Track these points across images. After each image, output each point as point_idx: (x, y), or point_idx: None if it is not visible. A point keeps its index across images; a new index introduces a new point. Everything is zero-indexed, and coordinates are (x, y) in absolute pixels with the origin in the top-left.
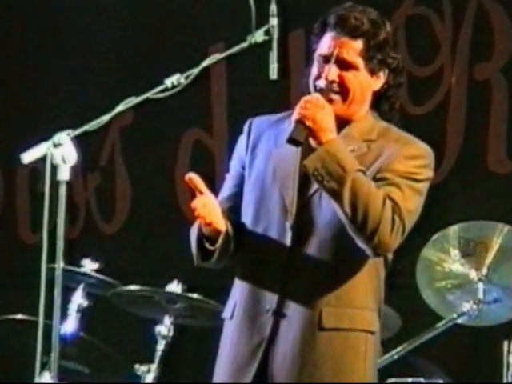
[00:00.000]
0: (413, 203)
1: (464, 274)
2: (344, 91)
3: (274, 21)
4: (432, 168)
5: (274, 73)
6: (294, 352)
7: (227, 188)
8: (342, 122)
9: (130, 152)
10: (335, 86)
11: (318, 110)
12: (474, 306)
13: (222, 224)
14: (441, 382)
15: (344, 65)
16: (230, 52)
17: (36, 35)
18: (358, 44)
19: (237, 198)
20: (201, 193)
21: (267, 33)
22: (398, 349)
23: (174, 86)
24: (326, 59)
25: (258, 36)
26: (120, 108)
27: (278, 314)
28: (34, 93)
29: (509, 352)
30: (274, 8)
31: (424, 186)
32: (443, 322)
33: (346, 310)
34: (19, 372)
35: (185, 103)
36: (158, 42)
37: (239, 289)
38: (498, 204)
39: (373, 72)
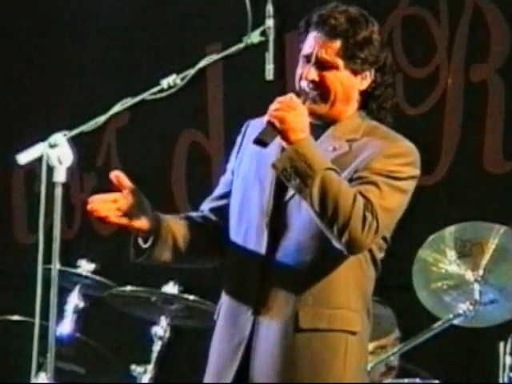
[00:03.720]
0: (391, 201)
1: (460, 274)
2: (325, 91)
3: (270, 22)
4: (417, 166)
5: (269, 74)
6: (274, 352)
7: (218, 188)
8: (329, 123)
9: (127, 153)
10: (315, 85)
11: (289, 110)
12: (471, 307)
13: (139, 222)
14: (436, 381)
15: (323, 65)
16: (227, 53)
17: (32, 36)
18: (336, 44)
19: (222, 198)
20: (124, 188)
21: (263, 34)
22: (395, 350)
23: (170, 87)
24: (308, 59)
25: (254, 37)
26: (116, 109)
27: (258, 314)
28: (30, 93)
29: (505, 353)
30: (270, 9)
31: (407, 184)
32: (439, 322)
33: (324, 310)
34: (15, 373)
35: (181, 104)
36: (154, 42)
37: (224, 290)
38: (495, 205)
39: (356, 71)
